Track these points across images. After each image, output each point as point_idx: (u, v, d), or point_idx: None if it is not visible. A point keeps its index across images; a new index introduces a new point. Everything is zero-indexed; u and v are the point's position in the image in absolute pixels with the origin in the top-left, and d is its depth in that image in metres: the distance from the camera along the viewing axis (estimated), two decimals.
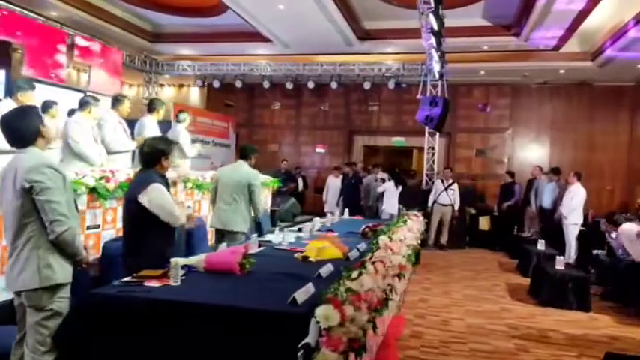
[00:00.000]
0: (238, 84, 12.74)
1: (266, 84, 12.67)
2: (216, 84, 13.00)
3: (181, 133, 6.90)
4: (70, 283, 2.72)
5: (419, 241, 5.73)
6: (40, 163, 2.58)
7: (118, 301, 2.58)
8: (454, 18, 9.37)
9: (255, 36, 11.22)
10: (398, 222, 5.40)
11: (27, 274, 2.58)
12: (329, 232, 5.21)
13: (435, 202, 10.40)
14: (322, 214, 8.24)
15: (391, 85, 11.93)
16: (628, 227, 6.42)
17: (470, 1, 9.44)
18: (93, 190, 4.18)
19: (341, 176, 11.02)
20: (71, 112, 6.20)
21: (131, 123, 6.16)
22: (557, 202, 9.17)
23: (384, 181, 10.56)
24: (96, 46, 10.23)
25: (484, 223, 11.09)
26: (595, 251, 7.75)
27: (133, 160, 5.90)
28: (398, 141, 14.20)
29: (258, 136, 14.68)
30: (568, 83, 12.49)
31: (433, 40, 8.72)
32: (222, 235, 5.10)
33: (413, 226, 5.54)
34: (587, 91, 12.58)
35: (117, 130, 5.67)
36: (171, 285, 2.79)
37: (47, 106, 6.43)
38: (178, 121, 7.14)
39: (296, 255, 3.82)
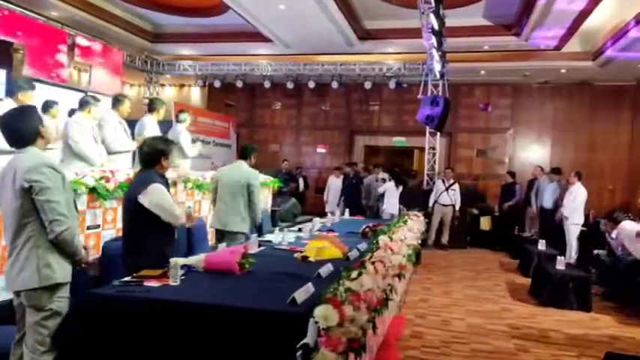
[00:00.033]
0: (239, 84, 12.75)
1: (267, 84, 12.67)
2: (217, 84, 13.00)
3: (182, 133, 6.90)
4: (69, 282, 2.72)
5: (419, 241, 5.73)
6: (39, 162, 2.58)
7: (117, 301, 2.58)
8: (455, 18, 9.37)
9: (255, 36, 11.22)
10: (398, 222, 5.39)
11: (26, 274, 2.58)
12: (329, 232, 5.20)
13: (435, 202, 10.40)
14: (323, 214, 8.23)
15: (392, 84, 11.92)
16: (628, 226, 6.41)
17: (470, 1, 9.43)
18: (93, 190, 4.18)
19: (342, 176, 11.02)
20: (72, 112, 6.21)
21: (132, 123, 6.16)
22: (559, 202, 9.16)
23: (384, 181, 10.56)
24: (97, 46, 10.24)
25: (485, 223, 11.08)
26: (596, 251, 7.74)
27: (133, 160, 5.90)
28: (399, 141, 14.19)
29: (259, 136, 14.68)
30: (569, 83, 12.48)
31: (434, 40, 8.71)
32: (222, 235, 5.09)
33: (413, 226, 5.53)
34: (589, 91, 12.56)
35: (117, 130, 5.66)
36: (171, 285, 2.79)
37: (48, 106, 6.45)
38: (179, 121, 7.14)
39: (296, 255, 3.81)
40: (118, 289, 2.68)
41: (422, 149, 12.49)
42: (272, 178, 8.52)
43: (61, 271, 2.65)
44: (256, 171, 5.32)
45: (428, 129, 11.33)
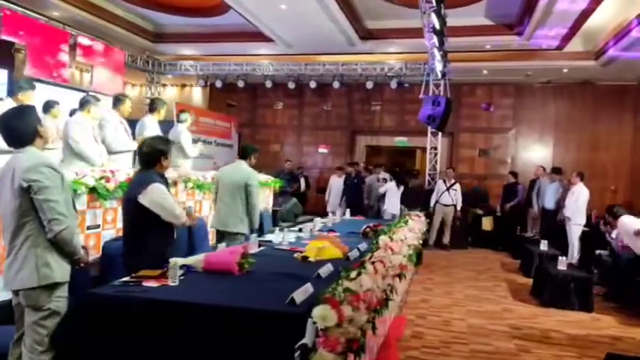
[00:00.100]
0: (241, 84, 12.75)
1: (268, 84, 12.66)
2: (218, 84, 13.00)
3: (182, 132, 6.90)
4: (67, 282, 2.72)
5: (420, 242, 5.72)
6: (38, 162, 2.59)
7: (116, 301, 2.58)
8: (456, 17, 9.36)
9: (257, 36, 11.22)
10: (399, 222, 5.38)
11: (25, 273, 2.58)
12: (330, 232, 5.20)
13: (437, 202, 10.38)
14: (324, 214, 8.23)
15: (393, 84, 11.89)
16: (627, 220, 6.39)
17: (472, 1, 9.41)
18: (93, 190, 4.18)
19: (344, 176, 11.00)
20: (73, 112, 6.22)
21: (133, 123, 6.16)
22: (561, 202, 9.14)
23: (385, 181, 10.54)
24: (98, 46, 10.25)
25: (487, 223, 11.06)
26: (598, 251, 7.71)
27: (134, 160, 5.90)
28: (400, 141, 14.18)
29: (260, 136, 14.68)
30: (571, 83, 12.44)
31: (435, 40, 8.69)
32: (222, 235, 5.09)
33: (414, 226, 5.53)
34: (591, 91, 12.53)
35: (118, 129, 5.67)
36: (170, 285, 2.79)
37: (49, 106, 6.47)
38: (179, 121, 7.13)
39: (296, 255, 3.81)
40: (116, 289, 2.68)
41: (424, 149, 12.47)
42: (273, 178, 8.51)
43: (60, 270, 2.65)
44: (255, 171, 5.30)
45: (430, 129, 11.31)
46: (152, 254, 3.29)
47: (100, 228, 4.36)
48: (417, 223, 6.02)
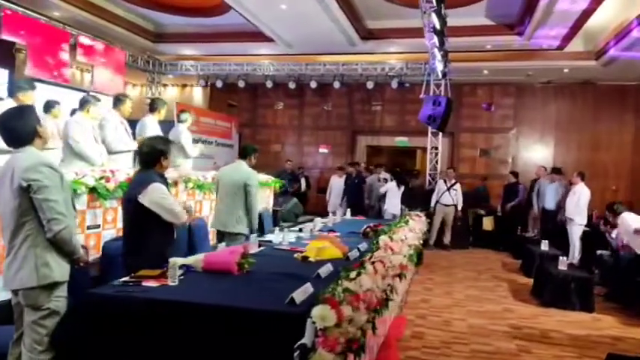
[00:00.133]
0: (241, 84, 12.75)
1: (269, 84, 12.66)
2: (219, 84, 13.00)
3: (183, 132, 6.90)
4: (66, 281, 2.72)
5: (421, 242, 5.72)
6: (37, 161, 2.58)
7: (115, 301, 2.57)
8: (457, 17, 9.36)
9: (257, 36, 11.22)
10: (399, 222, 5.37)
11: (24, 273, 2.58)
12: (330, 232, 5.19)
13: (437, 202, 10.37)
14: (325, 214, 8.23)
15: (394, 84, 11.88)
16: (628, 217, 6.38)
17: (472, 1, 9.41)
18: (93, 190, 4.17)
19: (344, 176, 10.99)
20: (73, 112, 6.22)
21: (133, 123, 6.16)
22: (561, 202, 9.12)
23: (386, 181, 10.54)
24: (99, 46, 10.26)
25: (488, 223, 11.05)
26: (599, 252, 7.70)
27: (134, 160, 5.88)
28: (401, 141, 14.17)
29: (261, 136, 14.68)
30: (572, 83, 12.43)
31: (436, 40, 8.68)
32: (222, 236, 5.08)
33: (415, 226, 5.52)
34: (592, 91, 12.52)
35: (118, 129, 5.66)
36: (169, 285, 2.78)
37: (50, 106, 6.47)
38: (180, 121, 7.13)
39: (296, 255, 3.80)
40: (116, 289, 2.67)
41: (424, 149, 12.46)
42: (273, 178, 8.50)
43: (59, 269, 2.65)
44: (255, 171, 5.29)
45: (430, 129, 11.30)
46: (152, 254, 3.28)
47: (100, 228, 4.35)
48: (417, 223, 6.02)
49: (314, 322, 2.02)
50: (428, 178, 11.66)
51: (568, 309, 5.93)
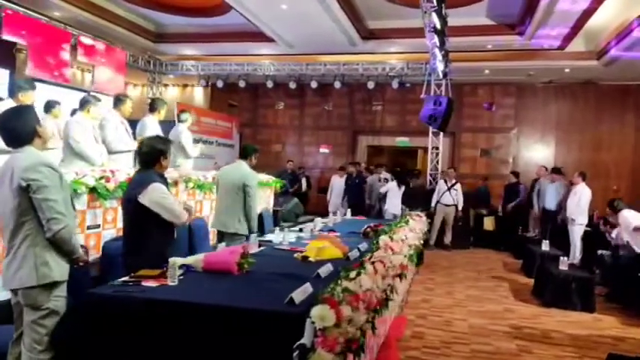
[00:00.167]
0: (242, 84, 12.75)
1: (269, 84, 12.65)
2: (219, 84, 13.00)
3: (183, 132, 6.90)
4: (66, 281, 2.72)
5: (421, 242, 5.71)
6: (36, 161, 2.59)
7: (114, 301, 2.57)
8: (457, 17, 9.35)
9: (258, 36, 11.22)
10: (400, 222, 5.37)
11: (24, 272, 2.58)
12: (330, 232, 5.19)
13: (438, 202, 10.36)
14: (326, 214, 8.22)
15: (395, 84, 11.88)
16: (628, 214, 6.36)
17: (473, 0, 9.40)
18: (93, 190, 4.16)
19: (345, 176, 10.99)
20: (74, 112, 6.22)
21: (134, 123, 6.16)
22: (562, 203, 9.10)
23: (387, 181, 10.54)
24: (100, 46, 10.26)
25: (489, 223, 11.04)
26: (600, 252, 7.68)
27: (135, 160, 5.89)
28: (402, 141, 14.17)
29: (261, 136, 14.69)
30: (573, 82, 12.42)
31: (436, 39, 8.66)
32: (222, 236, 5.08)
33: (415, 226, 5.52)
34: (593, 91, 12.51)
35: (118, 129, 5.67)
36: (169, 285, 2.78)
37: (50, 106, 6.48)
38: (180, 121, 7.14)
39: (296, 255, 3.80)
40: (115, 289, 2.67)
41: (425, 149, 12.46)
42: (274, 178, 8.50)
43: (59, 269, 2.65)
44: (254, 172, 5.28)
45: (431, 129, 11.29)
46: (152, 254, 3.28)
47: (100, 228, 4.35)
48: (417, 223, 6.01)
49: (313, 322, 2.02)
50: (429, 178, 11.64)
51: (569, 309, 5.92)
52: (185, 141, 6.82)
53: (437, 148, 11.67)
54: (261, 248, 4.13)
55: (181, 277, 2.91)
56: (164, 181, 3.48)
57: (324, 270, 3.18)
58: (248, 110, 14.94)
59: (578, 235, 8.39)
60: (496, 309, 5.93)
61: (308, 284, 2.67)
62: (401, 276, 3.52)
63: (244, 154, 5.23)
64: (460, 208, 10.41)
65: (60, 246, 2.63)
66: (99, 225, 4.34)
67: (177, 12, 10.94)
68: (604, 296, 6.59)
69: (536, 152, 12.97)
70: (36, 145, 2.69)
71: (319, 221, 5.81)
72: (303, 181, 12.45)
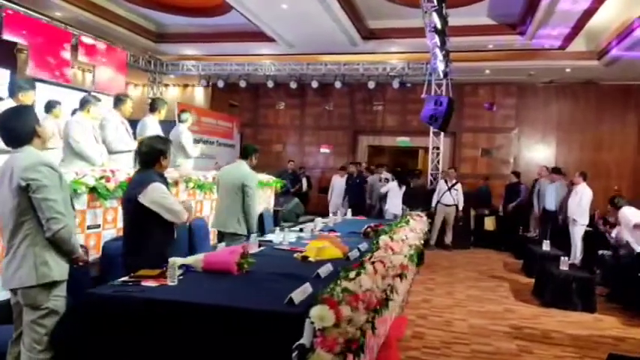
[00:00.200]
0: (242, 84, 12.75)
1: (270, 84, 12.66)
2: (220, 84, 13.01)
3: (183, 132, 6.90)
4: (66, 281, 2.72)
5: (422, 242, 5.70)
6: (36, 161, 2.59)
7: (114, 301, 2.56)
8: (458, 17, 9.34)
9: (259, 36, 11.22)
10: (400, 222, 5.36)
11: (23, 272, 2.58)
12: (331, 232, 5.18)
13: (438, 202, 10.35)
14: (326, 214, 8.22)
15: (395, 84, 11.88)
16: (628, 211, 6.35)
17: (474, 0, 9.39)
18: (93, 190, 4.17)
19: (346, 176, 10.98)
20: (74, 112, 6.22)
21: (134, 123, 6.16)
22: (562, 203, 9.08)
23: (387, 181, 10.53)
24: (100, 46, 10.27)
25: (489, 223, 11.04)
26: (600, 252, 7.67)
27: (135, 160, 5.88)
28: (403, 141, 14.16)
29: (262, 136, 14.69)
30: (574, 82, 12.41)
31: (437, 39, 8.66)
32: (222, 236, 5.07)
33: (415, 226, 5.51)
34: (594, 91, 12.50)
35: (119, 129, 5.67)
36: (169, 285, 2.77)
37: (51, 106, 6.48)
38: (180, 121, 7.14)
39: (296, 255, 3.79)
40: (115, 289, 2.67)
41: (426, 149, 12.45)
42: (274, 178, 8.49)
43: (58, 269, 2.65)
44: (254, 172, 5.27)
45: (432, 129, 11.28)
46: (152, 254, 3.28)
47: (100, 228, 4.35)
48: (418, 223, 6.00)
49: (312, 322, 2.01)
50: (429, 178, 11.64)
51: (569, 309, 5.91)
52: (185, 141, 6.82)
53: (438, 148, 11.66)
54: (261, 248, 4.12)
55: (181, 277, 2.90)
56: (164, 181, 3.48)
57: (324, 270, 3.17)
58: (249, 110, 14.94)
59: (578, 235, 8.37)
60: (496, 309, 5.92)
61: (308, 284, 2.66)
62: (401, 276, 3.51)
63: (245, 154, 5.23)
64: (461, 208, 10.40)
65: (59, 246, 2.63)
66: (99, 225, 4.34)
67: (178, 12, 10.95)
68: (605, 296, 6.58)
69: (537, 152, 12.96)
70: (35, 145, 2.69)
71: (320, 221, 5.81)
72: (304, 181, 12.44)
